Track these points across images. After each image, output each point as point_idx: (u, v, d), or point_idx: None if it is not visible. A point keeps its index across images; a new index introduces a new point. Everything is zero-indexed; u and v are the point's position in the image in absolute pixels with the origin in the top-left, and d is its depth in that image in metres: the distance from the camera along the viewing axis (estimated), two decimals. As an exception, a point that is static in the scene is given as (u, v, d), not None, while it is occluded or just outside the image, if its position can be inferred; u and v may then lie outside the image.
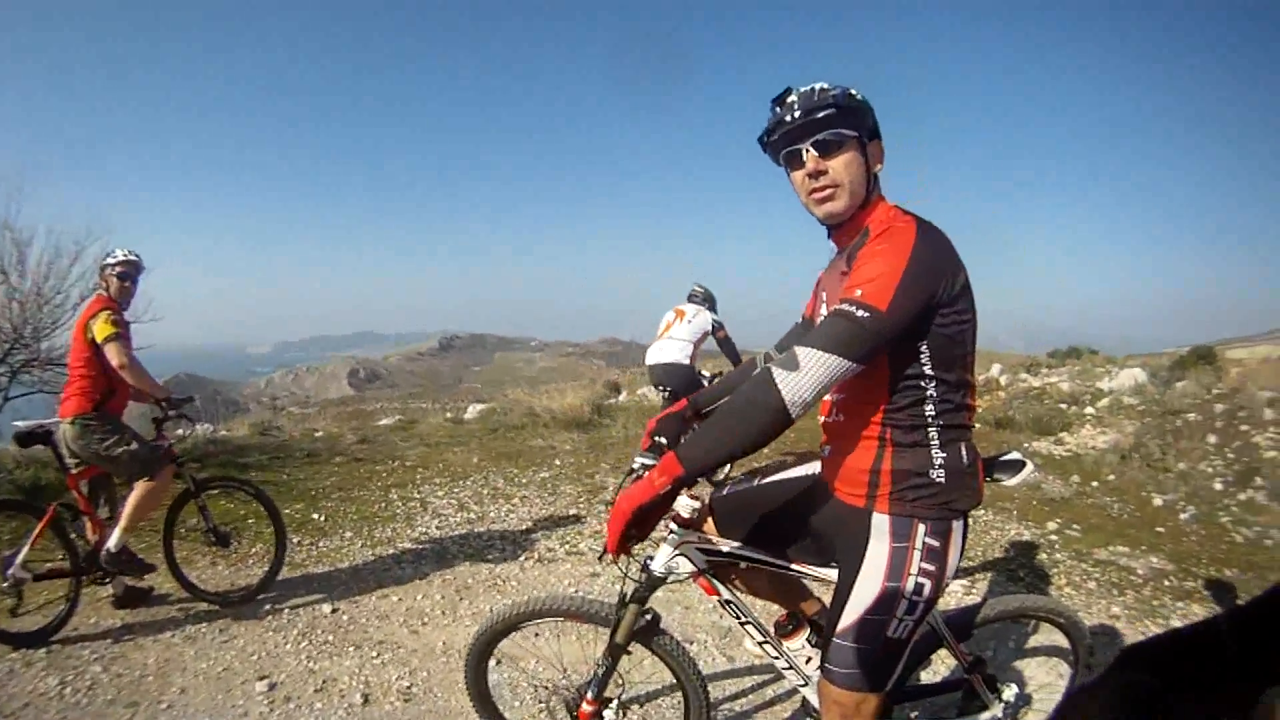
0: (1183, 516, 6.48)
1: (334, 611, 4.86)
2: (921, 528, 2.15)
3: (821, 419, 2.37)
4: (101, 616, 4.72)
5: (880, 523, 2.19)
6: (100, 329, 4.50)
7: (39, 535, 4.44)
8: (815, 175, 2.09)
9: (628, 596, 2.64)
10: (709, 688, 2.92)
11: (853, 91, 2.07)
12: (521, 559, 5.91)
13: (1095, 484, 7.52)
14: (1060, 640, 3.17)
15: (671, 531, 2.55)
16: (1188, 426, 8.49)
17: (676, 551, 2.58)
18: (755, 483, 2.78)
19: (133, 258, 4.87)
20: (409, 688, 4.00)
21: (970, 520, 2.32)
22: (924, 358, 2.05)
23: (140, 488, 4.63)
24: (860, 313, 1.85)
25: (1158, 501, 6.86)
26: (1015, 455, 2.52)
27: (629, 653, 2.77)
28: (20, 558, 4.41)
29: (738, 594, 2.74)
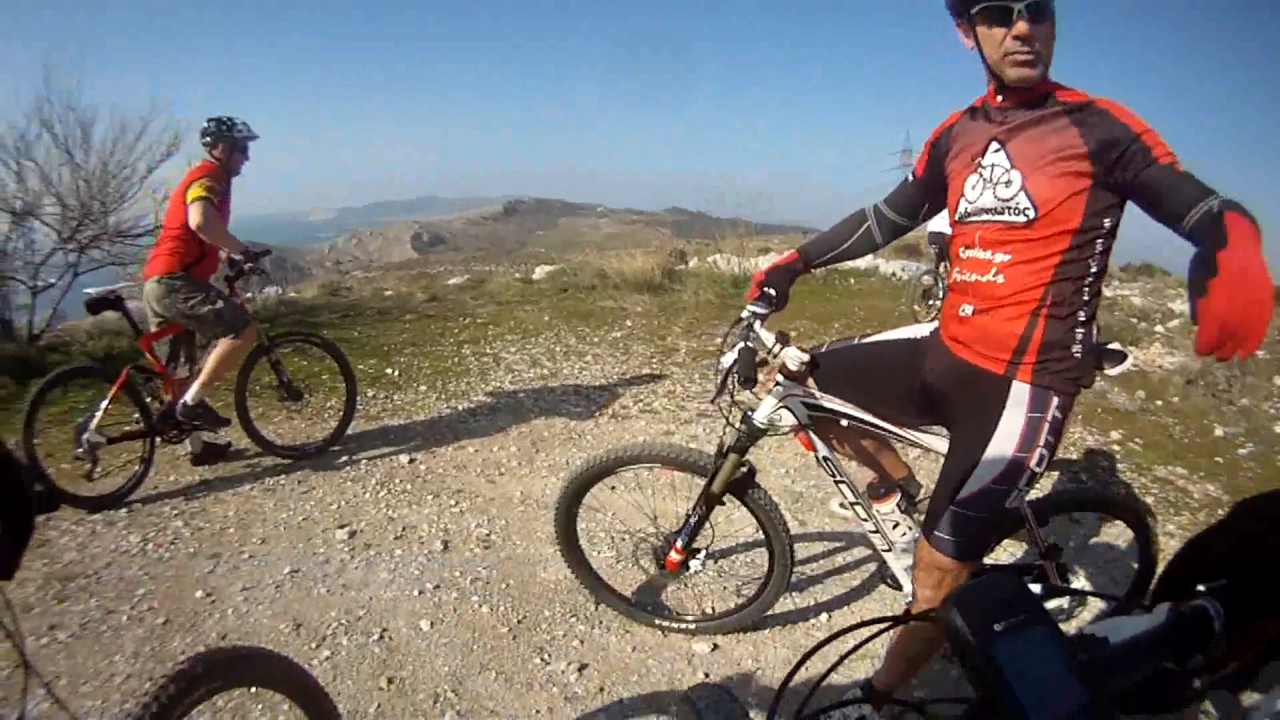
0: (1241, 451, 6.33)
1: (411, 462, 5.01)
2: (1055, 400, 2.17)
3: (966, 277, 2.29)
4: (180, 474, 4.84)
5: (1020, 392, 2.19)
6: (194, 190, 4.53)
7: (113, 399, 4.51)
8: (1025, 40, 2.02)
9: (727, 446, 2.68)
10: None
11: None
12: (595, 414, 6.04)
13: (1159, 403, 7.41)
14: (1130, 539, 3.23)
15: (778, 384, 2.58)
16: (1256, 364, 8.25)
17: (781, 404, 2.61)
18: (857, 340, 2.75)
19: (248, 129, 4.89)
20: (488, 535, 4.15)
21: None
22: (1109, 228, 2.09)
23: (223, 344, 4.72)
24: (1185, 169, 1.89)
25: (1218, 432, 6.71)
26: (1118, 345, 2.49)
27: (723, 503, 2.80)
28: (94, 423, 4.46)
29: (834, 452, 2.76)
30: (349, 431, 5.36)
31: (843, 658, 1.13)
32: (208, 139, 4.79)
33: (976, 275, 2.25)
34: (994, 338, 2.21)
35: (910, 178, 2.62)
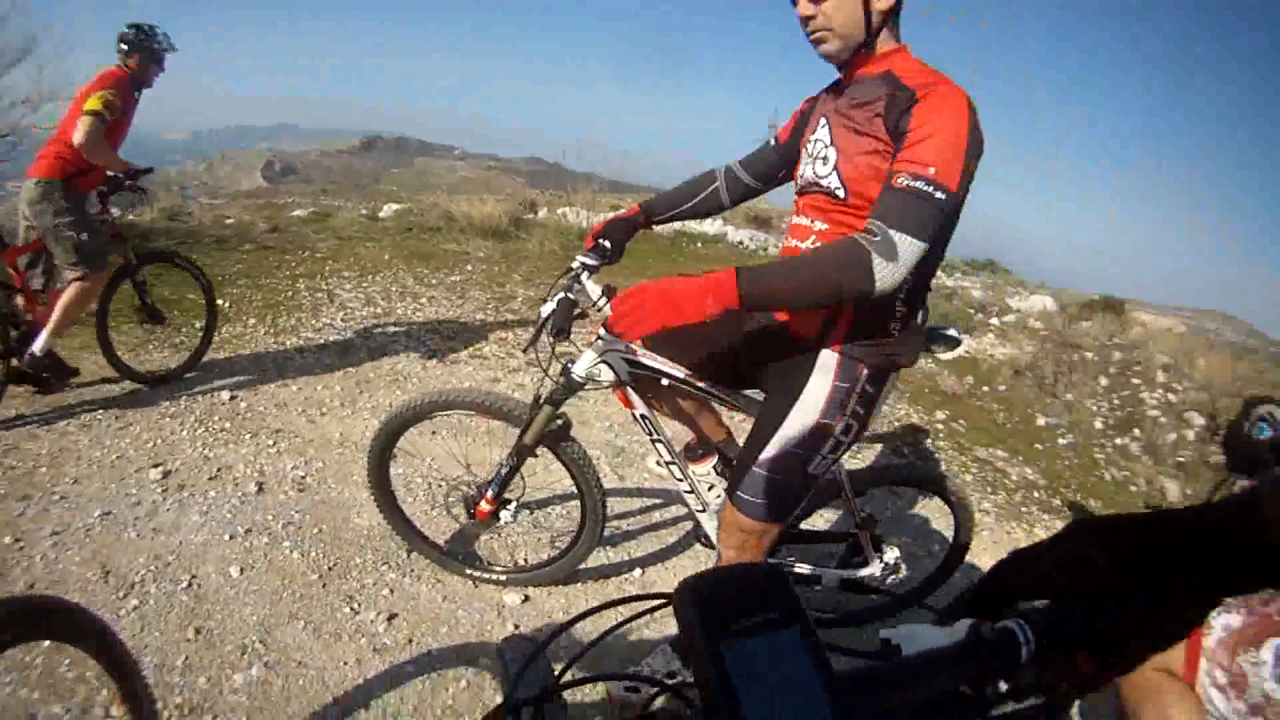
0: (1061, 441, 6.75)
1: (232, 399, 4.80)
2: (865, 371, 2.23)
3: (790, 243, 2.33)
4: (-1, 404, 4.50)
5: (828, 359, 2.26)
6: (92, 102, 4.27)
7: None
8: (805, 21, 2.04)
9: (543, 398, 2.66)
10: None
11: None
12: (424, 357, 5.93)
13: (986, 389, 7.76)
14: (945, 516, 3.32)
15: (599, 338, 2.55)
16: (1083, 363, 8.75)
17: (600, 358, 2.59)
18: None
19: (168, 42, 4.70)
20: (303, 478, 4.03)
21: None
22: None
23: (73, 289, 4.44)
24: (938, 194, 1.84)
25: (1041, 421, 7.12)
26: (954, 331, 2.61)
27: (535, 455, 2.81)
28: None
29: (653, 410, 2.78)
30: (170, 365, 5.12)
31: (604, 634, 1.01)
32: (124, 46, 4.56)
33: (798, 241, 2.29)
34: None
35: (773, 141, 2.63)
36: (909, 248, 1.83)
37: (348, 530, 3.63)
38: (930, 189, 1.83)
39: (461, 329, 6.73)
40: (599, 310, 2.53)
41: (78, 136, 4.21)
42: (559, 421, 2.73)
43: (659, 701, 0.90)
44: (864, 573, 3.03)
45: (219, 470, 4.03)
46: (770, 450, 2.27)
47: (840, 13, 2.00)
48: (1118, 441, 6.95)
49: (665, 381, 2.66)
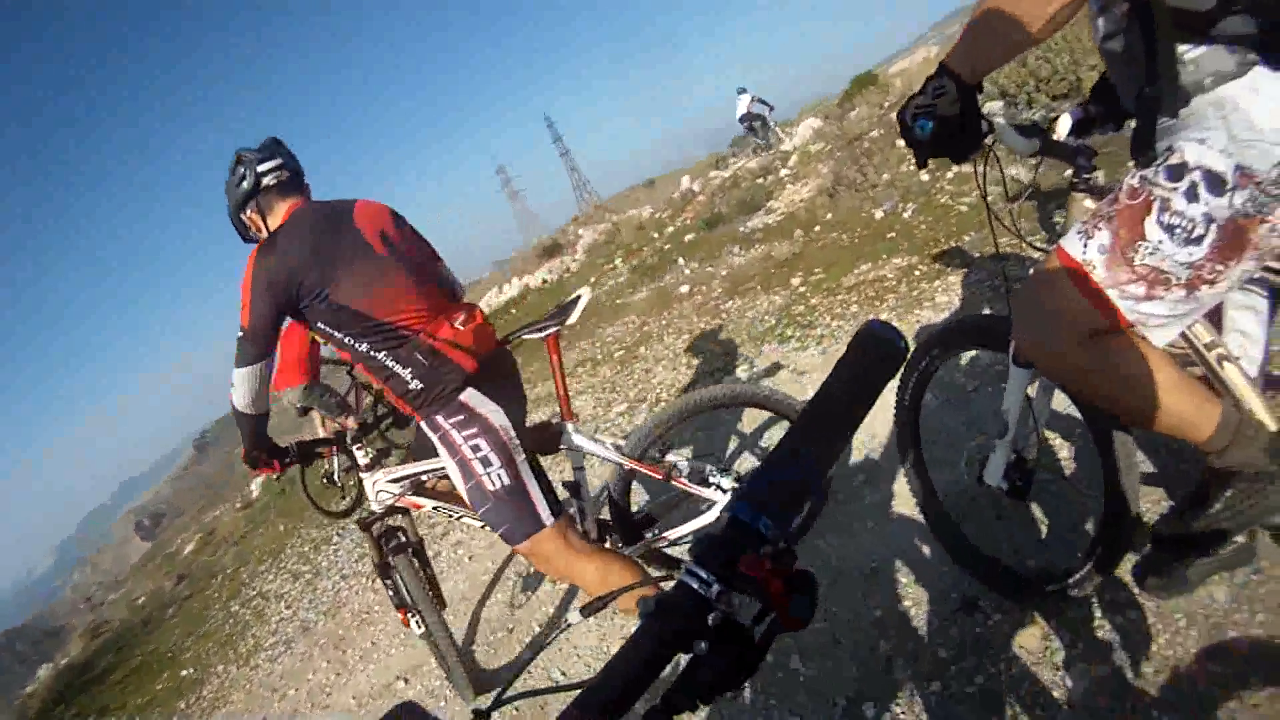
0: (905, 215, 6.87)
1: (246, 736, 4.73)
2: (440, 417, 2.61)
3: None
4: None
5: (424, 426, 2.70)
6: None
7: None
8: None
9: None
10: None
11: None
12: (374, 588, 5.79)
13: (817, 229, 7.94)
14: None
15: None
16: (874, 143, 8.94)
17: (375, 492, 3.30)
18: None
19: None
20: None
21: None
22: (328, 330, 2.60)
23: None
24: (239, 333, 2.59)
25: (879, 214, 7.26)
26: (576, 294, 3.09)
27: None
28: None
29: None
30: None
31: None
32: None
33: None
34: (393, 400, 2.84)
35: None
36: (232, 376, 2.76)
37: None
38: (238, 331, 2.71)
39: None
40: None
41: None
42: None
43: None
44: (710, 517, 3.16)
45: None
46: (466, 499, 2.74)
47: None
48: (949, 175, 7.10)
49: (425, 477, 3.24)
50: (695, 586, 0.70)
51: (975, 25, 1.57)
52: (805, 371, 4.97)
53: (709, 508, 3.13)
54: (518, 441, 2.65)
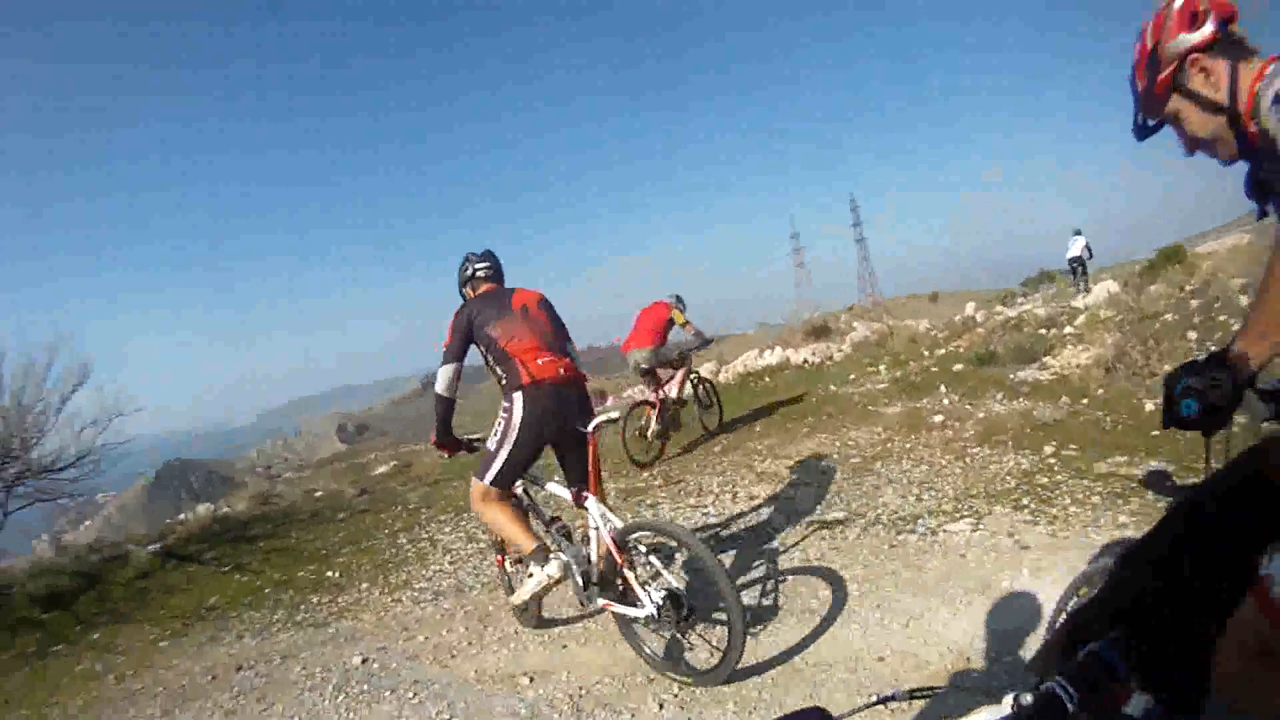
0: None
1: (364, 661, 4.85)
2: (504, 400, 4.26)
3: None
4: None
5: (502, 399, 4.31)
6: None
7: None
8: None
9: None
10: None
11: None
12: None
13: (1085, 401, 7.52)
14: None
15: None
16: (1166, 328, 8.44)
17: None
18: None
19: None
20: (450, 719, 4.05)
21: None
22: (482, 348, 4.36)
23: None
24: (442, 347, 4.35)
25: (1149, 407, 6.83)
26: (612, 413, 4.45)
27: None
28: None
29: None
30: (299, 642, 5.30)
31: None
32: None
33: None
34: None
35: None
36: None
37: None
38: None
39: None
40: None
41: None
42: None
43: None
44: (639, 611, 3.91)
45: (367, 730, 4.11)
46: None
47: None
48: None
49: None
50: (1062, 698, 0.82)
51: (1268, 300, 1.51)
52: (1029, 548, 4.64)
53: (636, 605, 3.91)
54: (517, 430, 4.13)
